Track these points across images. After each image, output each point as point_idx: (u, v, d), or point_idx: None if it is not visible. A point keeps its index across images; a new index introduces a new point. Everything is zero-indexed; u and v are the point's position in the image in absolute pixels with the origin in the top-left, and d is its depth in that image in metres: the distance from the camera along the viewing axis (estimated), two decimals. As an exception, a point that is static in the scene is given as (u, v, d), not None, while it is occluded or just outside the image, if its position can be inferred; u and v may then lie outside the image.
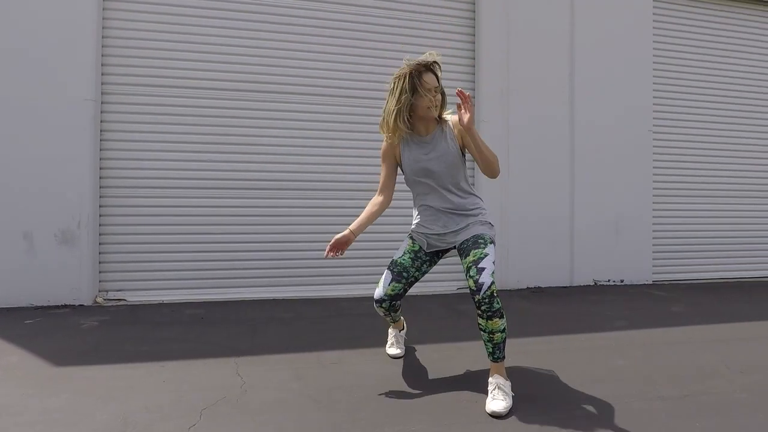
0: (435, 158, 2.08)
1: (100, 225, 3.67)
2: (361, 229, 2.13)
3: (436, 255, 2.22)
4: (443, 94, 2.09)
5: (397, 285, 2.14)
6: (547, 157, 4.48)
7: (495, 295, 1.90)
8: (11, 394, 1.97)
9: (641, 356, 2.59)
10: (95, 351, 2.51)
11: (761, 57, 5.25)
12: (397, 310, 2.33)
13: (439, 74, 2.06)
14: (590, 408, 1.95)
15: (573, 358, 2.54)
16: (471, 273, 1.93)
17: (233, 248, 3.89)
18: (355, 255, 4.09)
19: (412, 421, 1.81)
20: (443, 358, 2.49)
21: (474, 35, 4.40)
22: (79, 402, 1.91)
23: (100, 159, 3.67)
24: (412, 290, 4.16)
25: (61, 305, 3.47)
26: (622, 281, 4.68)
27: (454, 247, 2.14)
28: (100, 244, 3.67)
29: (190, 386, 2.08)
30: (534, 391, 2.09)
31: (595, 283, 4.60)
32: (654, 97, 4.84)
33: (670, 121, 4.96)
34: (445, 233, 2.12)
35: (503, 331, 1.95)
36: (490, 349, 1.99)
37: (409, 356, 2.51)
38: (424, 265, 2.20)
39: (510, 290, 4.30)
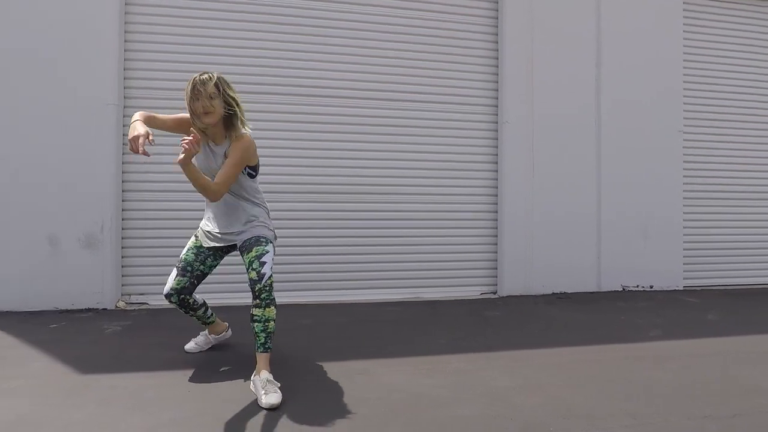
0: (215, 168, 2.20)
1: (122, 229, 3.67)
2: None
3: (221, 250, 2.40)
4: (232, 107, 2.12)
5: (182, 279, 2.31)
6: (572, 159, 4.35)
7: (272, 284, 2.16)
8: (34, 404, 1.95)
9: (681, 369, 2.46)
10: (119, 358, 2.49)
11: (798, 53, 5.03)
12: (196, 308, 2.42)
13: (222, 89, 2.09)
14: (635, 427, 1.84)
15: (608, 370, 2.43)
16: (254, 266, 2.15)
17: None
18: (373, 259, 4.05)
19: (445, 439, 1.73)
20: (475, 369, 2.40)
21: (497, 34, 4.29)
22: (103, 414, 1.87)
23: (123, 163, 3.67)
24: (437, 295, 4.12)
25: (85, 309, 3.48)
26: (651, 287, 4.52)
27: (236, 246, 2.32)
28: (122, 247, 3.67)
29: (215, 397, 2.03)
30: (570, 406, 1.99)
31: (624, 289, 4.46)
32: (684, 96, 4.67)
33: (702, 120, 4.77)
34: (226, 233, 2.30)
35: (275, 320, 2.16)
36: (263, 339, 2.14)
37: (439, 367, 2.43)
38: (209, 259, 2.38)
39: (535, 296, 4.19)
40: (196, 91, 2.04)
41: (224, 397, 2.03)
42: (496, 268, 4.27)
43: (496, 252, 4.27)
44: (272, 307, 2.12)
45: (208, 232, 2.36)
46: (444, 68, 4.20)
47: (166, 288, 2.32)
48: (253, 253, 2.17)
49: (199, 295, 2.49)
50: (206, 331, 2.64)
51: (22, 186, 3.42)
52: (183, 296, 2.33)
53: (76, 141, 3.50)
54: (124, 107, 3.67)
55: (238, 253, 2.32)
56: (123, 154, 3.67)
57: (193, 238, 2.42)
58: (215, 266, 2.43)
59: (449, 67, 4.21)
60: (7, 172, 3.41)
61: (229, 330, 2.73)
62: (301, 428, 1.78)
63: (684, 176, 4.66)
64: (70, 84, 3.49)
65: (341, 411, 1.93)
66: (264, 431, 1.76)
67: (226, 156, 2.17)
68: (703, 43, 4.78)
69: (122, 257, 3.68)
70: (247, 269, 2.17)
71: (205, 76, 2.07)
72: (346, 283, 4.01)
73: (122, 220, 3.68)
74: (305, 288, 3.92)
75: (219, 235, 2.32)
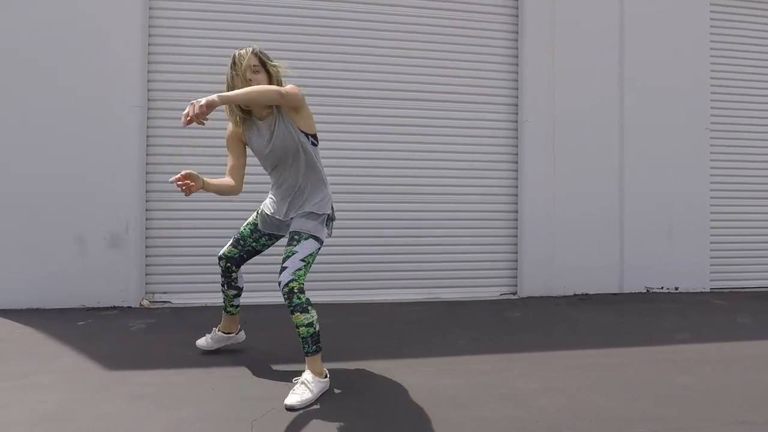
0: (272, 141, 2.09)
1: (146, 229, 3.74)
2: (211, 186, 2.03)
3: (275, 235, 2.36)
4: (271, 76, 2.10)
5: (233, 249, 2.36)
6: (594, 158, 4.27)
7: (295, 291, 1.99)
8: (65, 398, 2.00)
9: (710, 373, 2.39)
10: (144, 355, 2.54)
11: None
12: (232, 286, 2.40)
13: (265, 60, 2.09)
14: (664, 431, 1.79)
15: (633, 373, 2.37)
16: (279, 271, 2.03)
17: (271, 251, 3.88)
18: (393, 259, 4.04)
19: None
20: (496, 370, 2.38)
21: (517, 32, 4.24)
22: (130, 409, 1.91)
23: (146, 164, 3.74)
24: (456, 295, 4.09)
25: (110, 307, 3.56)
26: (676, 288, 4.41)
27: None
28: (146, 247, 3.74)
29: (239, 395, 2.05)
30: (596, 410, 1.95)
31: (647, 290, 4.36)
32: (711, 92, 4.54)
33: (730, 117, 4.63)
34: (280, 219, 2.23)
35: (309, 325, 2.03)
36: (301, 344, 2.08)
37: (460, 368, 2.41)
38: (263, 238, 2.36)
39: (556, 297, 4.12)
40: (238, 65, 2.02)
41: (248, 395, 2.05)
42: (516, 269, 4.22)
43: (516, 252, 4.23)
44: (297, 314, 2.00)
45: (267, 215, 2.30)
46: (462, 67, 4.17)
47: (221, 251, 2.40)
48: (283, 255, 2.06)
49: (244, 283, 2.51)
50: (216, 328, 2.57)
51: (50, 187, 3.52)
52: (229, 265, 2.36)
53: (103, 143, 3.58)
54: (148, 109, 3.75)
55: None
56: (147, 155, 3.75)
57: (254, 214, 2.39)
58: (269, 246, 2.41)
59: (468, 66, 4.18)
60: (36, 175, 3.50)
61: (242, 333, 2.66)
62: (323, 427, 1.79)
63: (711, 174, 4.53)
64: (95, 87, 3.57)
65: (363, 411, 1.93)
66: (285, 429, 1.77)
67: (288, 121, 2.08)
68: (731, 37, 4.63)
69: (146, 256, 3.75)
70: None
71: (244, 50, 2.04)
72: (366, 283, 4.01)
73: (146, 220, 3.75)
74: (325, 288, 3.93)
75: (275, 221, 2.26)
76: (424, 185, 4.12)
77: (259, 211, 2.36)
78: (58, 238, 3.52)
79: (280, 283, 2.01)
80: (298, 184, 2.14)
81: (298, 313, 2.01)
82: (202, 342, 2.60)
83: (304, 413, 1.89)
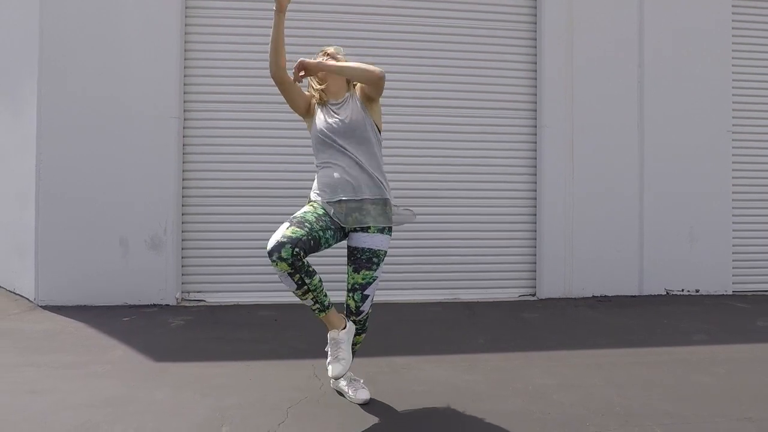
0: (343, 118, 2.02)
1: (182, 231, 3.99)
2: (280, 27, 2.19)
3: (342, 230, 1.98)
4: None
5: (298, 230, 1.79)
6: (614, 161, 4.32)
7: (368, 317, 2.11)
8: (120, 385, 2.23)
9: (725, 373, 2.46)
10: (186, 349, 2.76)
11: None
12: (312, 273, 1.88)
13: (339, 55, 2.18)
14: (672, 426, 1.89)
15: (650, 372, 2.46)
16: (356, 297, 2.02)
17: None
18: (413, 261, 4.18)
19: None
20: (513, 367, 2.50)
21: (536, 39, 4.33)
22: (179, 396, 2.12)
23: (183, 171, 3.99)
24: (474, 296, 4.21)
25: (151, 304, 3.81)
26: (697, 291, 4.42)
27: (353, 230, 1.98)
28: (182, 249, 3.99)
29: (275, 386, 2.24)
30: (608, 405, 2.06)
31: (668, 293, 4.38)
32: (734, 94, 4.53)
33: (753, 119, 4.61)
34: (352, 200, 1.94)
35: (361, 343, 2.19)
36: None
37: (478, 364, 2.55)
38: (329, 231, 1.90)
39: (575, 298, 4.19)
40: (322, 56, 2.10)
41: (282, 386, 2.24)
42: (535, 271, 4.31)
43: (535, 255, 4.31)
44: (363, 335, 2.14)
45: (332, 202, 1.95)
46: (482, 74, 4.28)
47: (273, 241, 1.78)
48: (359, 279, 1.96)
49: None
50: (337, 332, 1.99)
51: (97, 194, 3.79)
52: (297, 250, 1.76)
53: (143, 151, 3.84)
54: (184, 119, 4.00)
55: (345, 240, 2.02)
56: (183, 163, 4.00)
57: (308, 206, 2.00)
58: (330, 245, 1.96)
59: (487, 72, 4.29)
60: (83, 182, 3.79)
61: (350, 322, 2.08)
62: (347, 417, 1.95)
63: (733, 177, 4.52)
64: (137, 100, 3.84)
65: (384, 402, 2.08)
66: (317, 417, 1.95)
67: (360, 102, 2.10)
68: (753, 38, 4.61)
69: (182, 257, 3.99)
70: (347, 291, 2.01)
71: (332, 49, 2.16)
72: (386, 284, 4.12)
73: (182, 222, 4.00)
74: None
75: (343, 205, 1.94)
76: (445, 189, 4.25)
77: (316, 203, 1.98)
78: (104, 240, 3.80)
79: (361, 312, 2.01)
80: (361, 170, 1.98)
81: (364, 334, 2.16)
82: (341, 367, 1.97)
83: (330, 404, 2.06)
